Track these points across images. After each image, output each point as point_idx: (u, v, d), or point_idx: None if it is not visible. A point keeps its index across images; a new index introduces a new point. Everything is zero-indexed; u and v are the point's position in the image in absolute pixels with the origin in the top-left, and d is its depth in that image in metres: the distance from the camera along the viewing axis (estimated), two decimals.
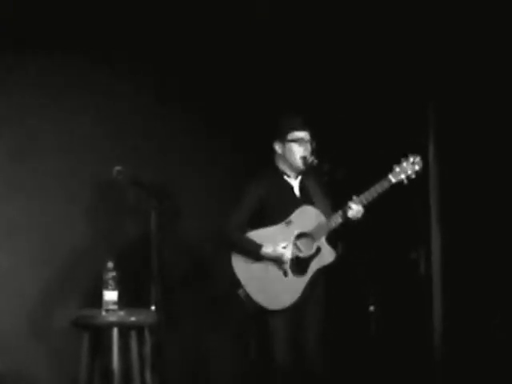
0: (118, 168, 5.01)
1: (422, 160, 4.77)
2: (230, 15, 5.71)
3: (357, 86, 5.89)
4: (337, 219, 4.68)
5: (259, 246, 4.64)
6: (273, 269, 4.66)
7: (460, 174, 5.52)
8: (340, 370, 5.15)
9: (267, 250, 4.63)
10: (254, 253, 4.65)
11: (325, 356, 4.75)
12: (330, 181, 4.83)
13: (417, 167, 4.75)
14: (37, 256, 5.34)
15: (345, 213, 4.66)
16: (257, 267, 4.66)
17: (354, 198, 4.69)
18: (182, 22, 5.71)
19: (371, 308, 5.15)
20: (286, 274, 4.65)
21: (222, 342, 5.76)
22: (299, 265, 4.66)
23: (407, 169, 4.72)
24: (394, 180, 4.71)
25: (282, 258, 4.62)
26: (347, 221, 4.67)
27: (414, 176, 4.73)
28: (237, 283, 4.68)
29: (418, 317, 5.60)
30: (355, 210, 4.65)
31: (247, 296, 4.65)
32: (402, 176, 4.71)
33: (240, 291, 4.67)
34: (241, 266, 4.68)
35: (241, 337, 5.70)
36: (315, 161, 4.75)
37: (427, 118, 5.63)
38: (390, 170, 4.72)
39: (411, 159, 4.74)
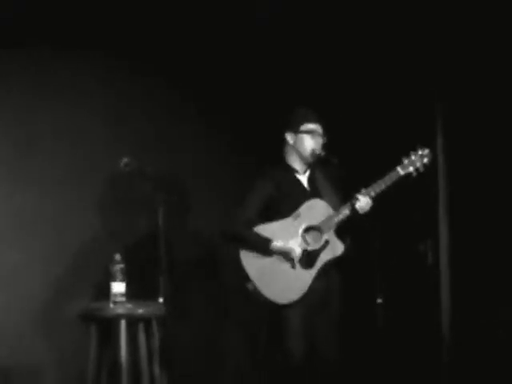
0: (125, 160, 5.02)
1: (431, 153, 4.76)
2: (238, 13, 5.70)
3: (364, 81, 5.89)
4: (344, 211, 4.67)
5: (269, 241, 4.62)
6: (281, 262, 4.64)
7: (468, 166, 5.51)
8: (348, 361, 5.13)
9: (277, 244, 4.62)
10: (263, 247, 4.62)
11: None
12: (337, 174, 4.82)
13: (426, 160, 4.74)
14: (45, 249, 5.35)
15: (352, 205, 4.66)
16: (265, 261, 4.64)
17: (362, 190, 4.68)
18: (190, 19, 5.71)
19: (379, 300, 5.14)
20: (294, 266, 4.64)
21: (231, 335, 5.77)
22: (307, 258, 4.64)
23: (416, 161, 4.72)
24: (402, 172, 4.70)
25: (291, 253, 4.61)
26: (355, 213, 4.66)
27: (422, 169, 4.73)
28: (245, 277, 4.66)
29: (425, 309, 5.60)
30: (363, 201, 4.65)
31: (256, 290, 4.64)
32: (411, 169, 4.71)
33: (249, 285, 4.65)
34: (249, 260, 4.66)
35: (250, 330, 5.70)
36: (323, 153, 4.75)
37: (435, 110, 5.62)
38: (399, 162, 4.71)
39: (420, 152, 4.74)
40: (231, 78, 5.85)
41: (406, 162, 4.71)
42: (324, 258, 4.66)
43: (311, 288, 4.62)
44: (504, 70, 5.29)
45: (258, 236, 4.65)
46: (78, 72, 5.51)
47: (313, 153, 4.76)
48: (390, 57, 5.78)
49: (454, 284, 5.54)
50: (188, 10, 5.67)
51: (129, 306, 4.87)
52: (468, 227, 5.49)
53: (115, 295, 4.86)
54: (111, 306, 4.85)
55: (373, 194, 4.67)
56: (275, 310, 4.65)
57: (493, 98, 5.38)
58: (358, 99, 5.92)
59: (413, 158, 4.72)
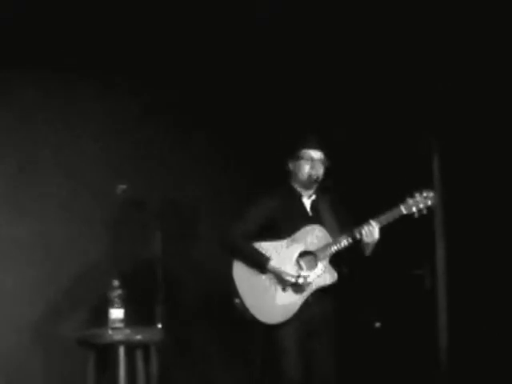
0: (122, 186, 5.03)
1: (435, 196, 4.76)
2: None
3: (363, 110, 5.93)
4: (351, 237, 4.66)
5: (267, 259, 4.62)
6: (272, 283, 4.64)
7: (464, 188, 5.53)
8: None
9: (274, 264, 4.61)
10: (259, 264, 4.62)
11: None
12: (331, 197, 4.84)
13: (430, 202, 4.73)
14: (42, 275, 5.33)
15: (360, 230, 4.65)
16: (256, 279, 4.64)
17: (371, 220, 4.67)
18: (185, 36, 5.72)
19: (377, 324, 5.14)
20: (284, 288, 4.64)
21: (230, 362, 5.75)
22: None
23: (420, 202, 4.71)
24: (405, 211, 4.70)
25: (285, 277, 4.60)
26: (360, 240, 4.65)
27: (425, 211, 4.72)
28: (234, 292, 4.64)
29: (423, 333, 5.60)
30: (373, 227, 4.63)
31: (243, 307, 4.62)
32: (414, 209, 4.70)
33: (236, 300, 4.65)
34: (240, 275, 4.65)
35: (247, 354, 5.68)
36: (320, 178, 4.77)
37: (431, 136, 5.66)
38: (403, 201, 4.71)
39: (425, 194, 4.73)
40: (232, 102, 5.86)
41: (410, 201, 4.71)
42: (316, 284, 4.66)
43: (301, 313, 4.61)
44: (499, 113, 5.36)
45: (256, 251, 4.65)
46: (75, 96, 5.52)
47: (310, 178, 4.78)
48: (388, 89, 5.82)
49: (452, 308, 5.55)
50: (194, 28, 5.70)
51: (127, 332, 4.87)
52: (464, 250, 5.50)
53: (113, 321, 4.87)
54: (109, 332, 4.86)
55: (378, 225, 4.68)
56: (266, 331, 4.64)
57: (486, 123, 5.42)
58: (356, 122, 5.96)
59: (417, 198, 4.72)
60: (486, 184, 5.42)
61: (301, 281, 4.59)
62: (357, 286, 5.48)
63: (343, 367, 5.02)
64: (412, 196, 4.73)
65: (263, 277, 4.65)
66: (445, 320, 5.55)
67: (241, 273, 4.66)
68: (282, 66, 5.90)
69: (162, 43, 5.67)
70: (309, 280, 4.61)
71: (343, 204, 4.87)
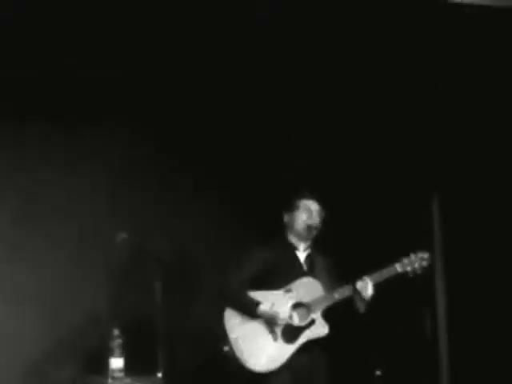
0: (122, 235, 5.04)
1: (430, 257, 4.78)
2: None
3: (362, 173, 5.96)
4: (344, 292, 4.68)
5: (257, 303, 4.63)
6: (264, 331, 4.65)
7: (464, 231, 5.55)
8: None
9: (264, 307, 4.62)
10: (250, 309, 4.64)
11: None
12: (326, 259, 4.86)
13: (424, 263, 4.76)
14: (42, 322, 5.32)
15: (354, 285, 4.67)
16: (248, 327, 4.66)
17: (365, 277, 4.70)
18: (187, 78, 5.75)
19: (378, 372, 5.12)
20: (275, 338, 4.64)
21: None
22: (290, 333, 4.64)
23: (414, 262, 4.74)
24: (399, 270, 4.73)
25: (276, 317, 4.60)
26: (356, 294, 4.67)
27: (419, 272, 4.75)
28: (223, 339, 4.66)
29: (424, 380, 5.59)
30: (366, 283, 4.66)
31: (233, 354, 4.63)
32: (409, 268, 4.74)
33: (226, 349, 4.65)
34: (232, 323, 4.67)
35: None
36: (317, 227, 4.78)
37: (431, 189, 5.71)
38: (398, 260, 4.75)
39: (420, 254, 4.77)
40: (233, 151, 5.87)
41: (405, 261, 4.75)
42: (307, 336, 4.66)
43: (290, 364, 4.61)
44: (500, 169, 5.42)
45: (247, 297, 4.67)
46: (78, 144, 5.55)
47: (307, 227, 4.80)
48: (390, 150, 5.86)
49: (453, 354, 5.55)
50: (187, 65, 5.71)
51: (127, 381, 4.86)
52: (465, 295, 5.51)
53: (113, 371, 4.86)
54: (110, 381, 4.84)
55: (372, 281, 4.70)
56: (257, 380, 4.62)
57: (484, 185, 5.51)
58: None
59: (412, 258, 4.76)
60: (485, 227, 5.45)
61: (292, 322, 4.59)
62: (357, 334, 5.47)
63: None
64: (408, 256, 4.76)
65: (254, 325, 4.65)
66: (446, 367, 5.55)
67: (232, 321, 4.68)
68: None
69: (163, 90, 5.70)
70: (295, 324, 4.61)
71: (337, 265, 4.88)
